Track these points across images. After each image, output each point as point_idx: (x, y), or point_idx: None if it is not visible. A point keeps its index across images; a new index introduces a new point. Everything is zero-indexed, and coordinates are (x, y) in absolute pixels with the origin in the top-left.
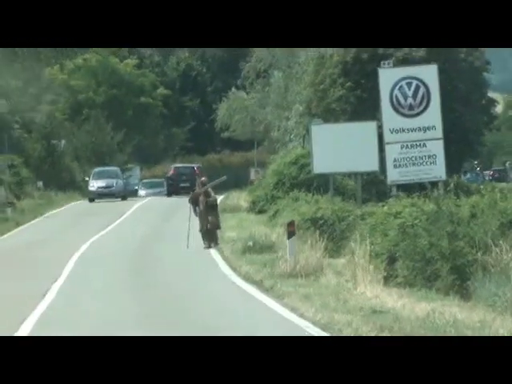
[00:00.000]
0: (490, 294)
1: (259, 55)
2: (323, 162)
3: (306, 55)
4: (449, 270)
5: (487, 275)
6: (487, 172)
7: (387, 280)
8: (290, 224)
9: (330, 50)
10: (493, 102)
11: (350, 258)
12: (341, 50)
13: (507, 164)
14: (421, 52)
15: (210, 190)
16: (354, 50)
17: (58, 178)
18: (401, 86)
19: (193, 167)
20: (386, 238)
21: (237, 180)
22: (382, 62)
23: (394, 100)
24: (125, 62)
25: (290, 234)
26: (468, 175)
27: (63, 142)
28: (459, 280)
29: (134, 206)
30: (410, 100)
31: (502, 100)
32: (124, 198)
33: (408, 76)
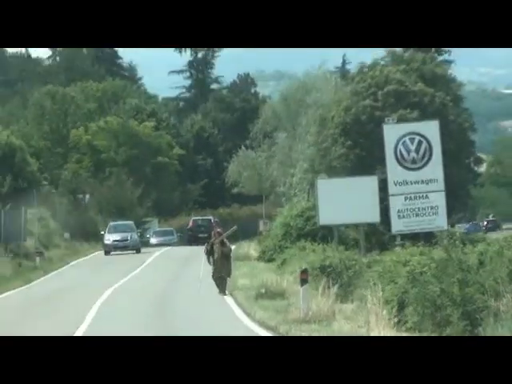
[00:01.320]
0: None
1: (266, 119)
2: (328, 214)
3: (308, 118)
4: (460, 316)
5: (499, 321)
6: (481, 223)
7: (397, 325)
8: (303, 272)
9: (331, 113)
10: (480, 160)
11: (362, 304)
12: (341, 112)
13: (490, 216)
14: (415, 114)
15: (225, 240)
16: (353, 111)
17: (83, 230)
18: (404, 141)
19: (210, 219)
20: (395, 285)
21: (246, 231)
22: (386, 119)
23: (398, 154)
24: (143, 125)
25: (303, 282)
26: (467, 226)
27: (87, 196)
28: (470, 326)
29: (152, 256)
30: (412, 154)
31: (485, 158)
32: (138, 250)
33: (411, 132)
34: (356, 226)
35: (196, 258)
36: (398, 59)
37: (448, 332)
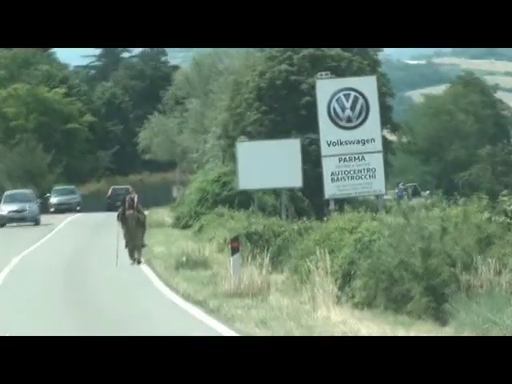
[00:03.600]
0: (484, 320)
1: (178, 85)
2: (248, 179)
3: (220, 85)
4: (422, 290)
5: (473, 298)
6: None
7: (340, 300)
8: (234, 240)
9: (246, 77)
10: (396, 126)
11: (297, 276)
12: (256, 77)
13: (400, 185)
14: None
15: (140, 206)
16: (268, 75)
17: None
18: (339, 98)
19: (128, 188)
20: (339, 254)
21: (158, 198)
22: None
23: (332, 112)
24: (54, 91)
25: (234, 251)
26: (397, 191)
27: None
28: (434, 302)
29: (63, 221)
30: (348, 112)
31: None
32: (37, 222)
33: (346, 87)
34: (277, 190)
35: (110, 224)
36: None
37: (408, 309)
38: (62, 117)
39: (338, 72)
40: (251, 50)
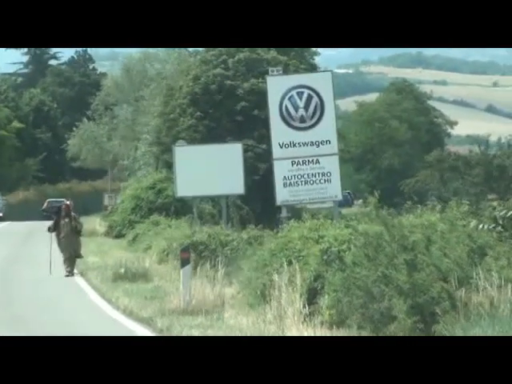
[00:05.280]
0: None
1: (108, 90)
2: (186, 185)
3: (151, 90)
4: (408, 309)
5: (473, 318)
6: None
7: (311, 319)
8: (185, 250)
9: (179, 82)
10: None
11: (250, 290)
12: (190, 82)
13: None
14: None
15: (76, 214)
16: (202, 80)
17: None
18: (291, 96)
19: (63, 201)
20: (301, 266)
21: (87, 207)
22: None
23: (284, 111)
24: None
25: (184, 262)
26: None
27: None
28: (422, 323)
29: None
30: (301, 111)
31: None
32: None
33: (299, 85)
34: (216, 198)
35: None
36: None
37: (392, 330)
38: None
39: None
40: (183, 53)
